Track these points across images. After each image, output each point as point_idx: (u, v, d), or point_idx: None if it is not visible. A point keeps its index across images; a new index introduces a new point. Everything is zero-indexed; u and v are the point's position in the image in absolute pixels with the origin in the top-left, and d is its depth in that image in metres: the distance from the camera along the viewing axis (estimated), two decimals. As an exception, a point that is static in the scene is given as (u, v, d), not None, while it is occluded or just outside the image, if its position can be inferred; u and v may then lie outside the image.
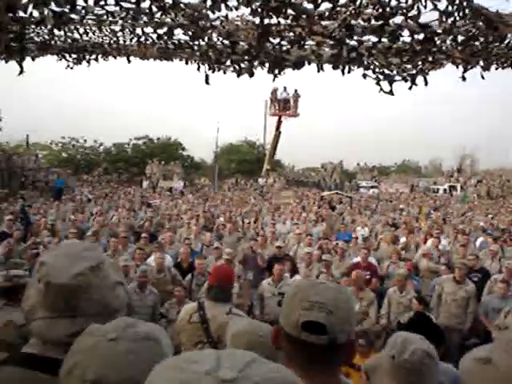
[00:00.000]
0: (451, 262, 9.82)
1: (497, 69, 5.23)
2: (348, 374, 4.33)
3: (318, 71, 5.52)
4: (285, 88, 43.72)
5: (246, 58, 5.34)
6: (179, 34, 4.71)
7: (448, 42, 4.68)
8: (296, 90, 43.76)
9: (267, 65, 5.51)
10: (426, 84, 5.30)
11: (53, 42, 5.73)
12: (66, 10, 3.46)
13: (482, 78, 5.25)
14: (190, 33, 4.40)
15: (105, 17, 4.17)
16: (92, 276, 1.55)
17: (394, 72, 5.35)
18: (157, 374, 0.71)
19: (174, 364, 0.72)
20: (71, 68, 6.46)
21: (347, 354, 1.48)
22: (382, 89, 5.36)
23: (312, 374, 1.40)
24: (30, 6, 3.17)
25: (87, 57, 6.19)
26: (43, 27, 4.42)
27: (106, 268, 1.64)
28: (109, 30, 5.10)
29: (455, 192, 44.70)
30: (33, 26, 4.70)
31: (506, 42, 4.59)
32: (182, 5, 3.71)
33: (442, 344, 4.67)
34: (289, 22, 4.16)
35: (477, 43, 4.66)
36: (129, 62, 6.24)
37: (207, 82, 5.59)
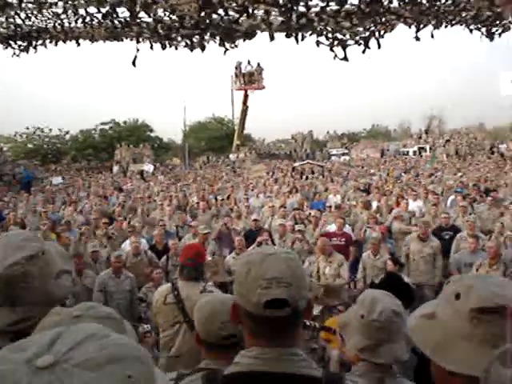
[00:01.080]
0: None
1: (446, 27, 5.27)
2: (328, 339, 4.40)
3: (271, 40, 5.48)
4: (248, 61, 43.59)
5: (196, 31, 5.27)
6: (124, 11, 4.61)
7: (395, 1, 4.70)
8: (259, 64, 43.55)
9: (218, 38, 5.46)
10: (379, 47, 5.32)
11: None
12: (2, -6, 3.37)
13: (432, 36, 5.29)
14: (132, 10, 4.31)
15: (43, -2, 4.06)
16: (29, 265, 1.56)
17: (347, 36, 5.36)
18: None
19: (3, 352, 0.68)
20: (17, 56, 6.28)
21: (307, 314, 1.51)
22: (336, 55, 5.36)
23: (278, 342, 1.43)
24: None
25: (34, 43, 6.02)
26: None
27: (47, 257, 1.65)
28: (51, 14, 4.96)
29: (425, 153, 45.29)
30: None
31: (451, -2, 4.62)
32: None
33: (412, 302, 4.80)
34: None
35: (424, 1, 4.68)
36: (78, 45, 6.09)
37: (134, 64, 5.50)
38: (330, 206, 12.57)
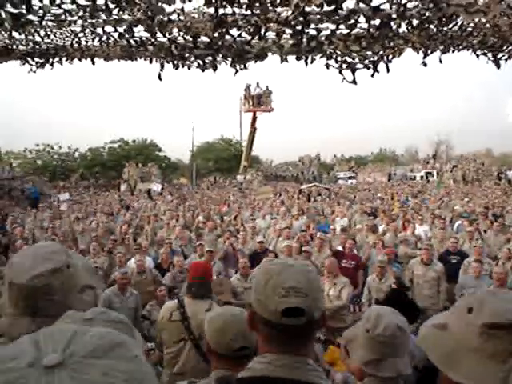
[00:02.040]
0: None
1: (453, 51, 5.35)
2: (332, 363, 4.39)
3: (282, 62, 5.58)
4: (257, 84, 43.96)
5: (209, 52, 5.38)
6: (140, 31, 4.73)
7: (403, 26, 4.78)
8: (267, 86, 43.95)
9: (230, 59, 5.56)
10: (388, 71, 5.40)
11: (14, 47, 5.69)
12: (24, 12, 3.47)
13: (440, 62, 5.35)
14: (149, 29, 4.42)
15: (63, 16, 4.16)
16: (53, 278, 1.58)
17: (356, 60, 5.44)
18: None
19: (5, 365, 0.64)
20: (34, 72, 6.41)
21: (320, 326, 1.57)
22: (344, 78, 5.44)
23: (291, 350, 1.48)
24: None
25: (50, 60, 6.14)
26: (3, 31, 4.40)
27: (72, 271, 1.67)
28: (69, 32, 5.09)
29: (432, 178, 45.24)
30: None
31: (459, 23, 4.70)
32: (136, -1, 3.77)
33: (416, 318, 4.82)
34: (243, 10, 4.21)
35: (431, 26, 4.76)
36: (93, 63, 6.22)
37: (160, 78, 5.61)
38: (335, 229, 12.57)
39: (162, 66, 5.70)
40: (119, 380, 0.63)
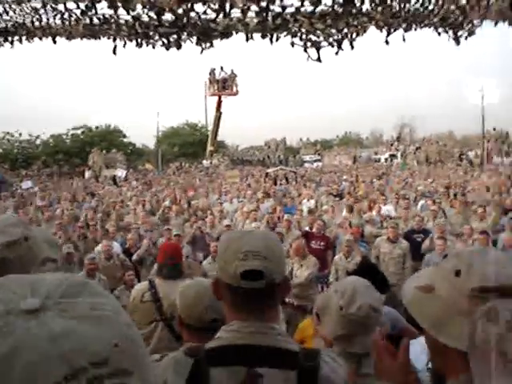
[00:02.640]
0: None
1: (416, 29, 5.42)
2: (303, 341, 4.43)
3: (247, 40, 5.58)
4: (222, 68, 43.70)
5: (174, 30, 5.33)
6: (103, 8, 4.64)
7: (367, 3, 4.83)
8: (232, 70, 43.76)
9: (195, 38, 5.53)
10: (352, 48, 5.45)
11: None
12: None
13: (404, 40, 5.44)
14: (112, 5, 4.34)
15: (23, -8, 4.07)
16: (8, 251, 1.56)
17: (321, 38, 5.47)
18: None
19: None
20: (-6, 50, 6.26)
21: (284, 291, 1.62)
22: (309, 56, 5.47)
23: (256, 315, 1.51)
24: None
25: (10, 38, 5.98)
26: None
27: (30, 243, 1.64)
28: (30, 8, 4.96)
29: (396, 160, 45.98)
30: None
31: (421, 1, 4.77)
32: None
33: (386, 289, 4.93)
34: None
35: (394, 3, 4.83)
36: (54, 42, 6.07)
37: (114, 53, 5.54)
38: (302, 211, 12.68)
39: (115, 46, 5.61)
40: (107, 311, 0.65)
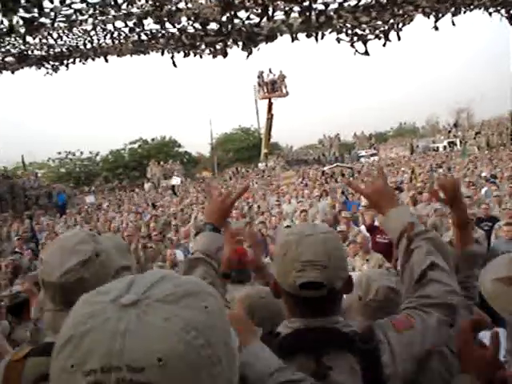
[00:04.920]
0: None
1: (465, 12, 5.26)
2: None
3: (292, 41, 5.58)
4: (270, 70, 43.76)
5: (219, 38, 5.41)
6: (150, 23, 4.77)
7: (412, -10, 4.74)
8: (281, 71, 43.73)
9: (241, 44, 5.58)
10: (399, 39, 5.35)
11: (30, 52, 5.80)
12: (36, 15, 3.53)
13: (453, 24, 5.28)
14: (158, 20, 4.46)
15: (74, 16, 4.23)
16: (83, 270, 1.57)
17: (367, 31, 5.40)
18: (72, 311, 0.75)
19: (85, 298, 0.76)
20: (50, 75, 6.53)
21: (346, 291, 1.56)
22: (356, 50, 5.41)
23: (316, 320, 1.47)
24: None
25: (65, 61, 6.24)
26: (17, 37, 4.49)
27: (103, 258, 1.65)
28: (81, 31, 5.16)
29: (455, 147, 44.60)
30: (7, 38, 4.79)
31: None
32: (143, -10, 3.81)
33: None
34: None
35: (440, -12, 4.72)
36: (106, 60, 6.29)
37: (174, 65, 5.68)
38: (365, 206, 12.50)
39: (173, 58, 5.76)
40: (177, 327, 0.68)
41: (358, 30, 5.31)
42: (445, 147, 46.19)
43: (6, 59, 5.87)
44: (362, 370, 1.38)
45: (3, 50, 5.36)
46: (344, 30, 5.35)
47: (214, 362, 0.71)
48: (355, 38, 5.36)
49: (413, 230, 1.64)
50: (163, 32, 5.18)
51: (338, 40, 5.49)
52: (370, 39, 5.40)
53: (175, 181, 34.84)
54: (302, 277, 1.41)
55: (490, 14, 5.19)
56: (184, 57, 5.88)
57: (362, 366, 1.39)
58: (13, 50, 5.59)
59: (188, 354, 0.67)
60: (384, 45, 5.50)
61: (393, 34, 5.35)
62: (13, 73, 6.43)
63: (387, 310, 2.13)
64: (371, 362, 1.40)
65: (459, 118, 61.24)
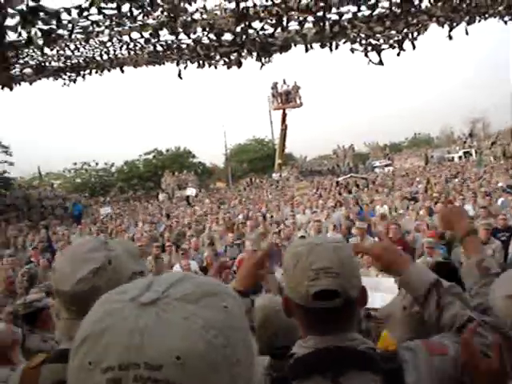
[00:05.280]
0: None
1: (479, 21, 5.23)
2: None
3: (306, 51, 5.60)
4: (284, 81, 43.84)
5: (234, 48, 5.44)
6: (165, 35, 4.83)
7: (426, 0, 4.71)
8: (295, 82, 43.79)
9: (255, 54, 5.61)
10: (414, 48, 5.32)
11: (47, 64, 5.89)
12: (54, 27, 3.59)
13: (467, 33, 5.25)
14: (173, 31, 4.51)
15: (90, 28, 4.30)
16: (96, 278, 1.57)
17: (381, 41, 5.39)
18: (90, 311, 0.75)
19: (104, 297, 0.76)
20: (68, 86, 6.63)
21: (361, 303, 1.50)
22: (370, 60, 5.40)
23: (332, 335, 1.42)
24: (19, 27, 3.30)
25: (82, 72, 6.32)
26: (35, 49, 4.56)
27: (115, 264, 1.64)
28: (98, 42, 5.23)
29: (471, 157, 44.26)
30: (25, 50, 4.87)
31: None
32: (158, 0, 3.82)
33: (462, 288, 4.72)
34: (263, 1, 4.24)
35: (454, -2, 4.70)
36: (122, 71, 6.37)
37: (180, 77, 5.74)
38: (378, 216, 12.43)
39: (180, 70, 5.83)
40: (197, 325, 0.68)
41: (372, 40, 5.30)
42: (460, 157, 45.89)
43: (24, 71, 5.97)
44: None
45: (22, 61, 5.45)
46: (358, 39, 5.35)
47: (233, 362, 0.70)
48: (369, 48, 5.36)
49: (442, 286, 1.61)
50: (178, 43, 5.23)
51: (352, 50, 5.49)
52: (384, 49, 5.39)
53: (190, 191, 35.02)
54: (315, 285, 1.36)
55: (506, 22, 5.15)
56: (198, 67, 5.93)
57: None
58: (31, 62, 5.69)
59: (208, 353, 0.67)
60: (398, 54, 5.49)
61: (407, 44, 5.35)
62: (31, 84, 6.53)
63: (431, 324, 2.09)
64: (394, 382, 1.34)
65: (474, 127, 60.79)
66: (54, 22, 3.45)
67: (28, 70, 6.03)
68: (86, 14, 3.81)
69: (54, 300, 5.01)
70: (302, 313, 1.45)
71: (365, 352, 1.39)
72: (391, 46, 5.34)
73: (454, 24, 5.11)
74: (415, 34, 5.40)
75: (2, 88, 6.45)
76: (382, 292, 6.21)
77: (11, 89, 6.48)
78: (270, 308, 2.42)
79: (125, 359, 0.65)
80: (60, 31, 3.83)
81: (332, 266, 1.38)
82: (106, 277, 1.58)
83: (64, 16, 3.53)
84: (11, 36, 3.53)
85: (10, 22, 3.23)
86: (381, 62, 5.45)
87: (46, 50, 4.68)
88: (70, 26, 3.84)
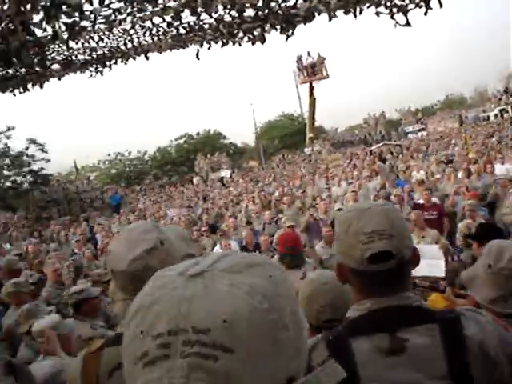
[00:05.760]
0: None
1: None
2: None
3: (330, 20, 5.49)
4: (308, 53, 43.27)
5: (257, 24, 5.39)
6: (187, 16, 4.79)
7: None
8: (319, 53, 43.18)
9: (279, 28, 5.54)
10: (441, 6, 5.13)
11: (74, 57, 5.94)
12: (77, 20, 3.61)
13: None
14: (194, 11, 4.47)
15: (113, 16, 4.30)
16: (150, 257, 1.64)
17: (406, 1, 5.23)
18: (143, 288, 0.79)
19: (156, 274, 0.80)
20: (94, 77, 6.69)
21: (414, 263, 1.49)
22: (397, 22, 5.25)
23: (388, 293, 1.42)
24: (43, 23, 3.33)
25: (107, 63, 6.36)
26: (60, 44, 4.60)
27: (167, 246, 1.71)
28: (121, 31, 5.24)
29: (507, 114, 43.04)
30: (52, 46, 4.92)
31: None
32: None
33: None
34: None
35: None
36: (147, 58, 6.37)
37: (198, 57, 5.72)
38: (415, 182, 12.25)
39: (209, 47, 5.82)
40: (241, 291, 0.71)
41: (397, 1, 5.16)
42: (496, 116, 44.65)
43: (52, 66, 6.04)
44: (441, 335, 1.33)
45: (49, 57, 5.51)
46: (383, 2, 5.21)
47: (280, 327, 0.72)
48: (395, 10, 5.22)
49: None
50: (201, 23, 5.20)
51: (378, 14, 5.36)
52: (410, 9, 5.24)
53: (224, 173, 35.21)
54: (370, 248, 1.37)
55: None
56: (222, 46, 5.89)
57: (441, 333, 1.33)
58: (57, 57, 5.75)
59: (253, 317, 0.69)
60: (425, 13, 5.32)
61: (434, 2, 5.16)
62: (59, 79, 6.62)
63: None
64: (452, 330, 1.34)
65: (510, 83, 58.96)
66: (77, 14, 3.48)
67: (55, 66, 6.10)
68: (107, 2, 3.82)
69: (99, 288, 5.18)
70: (356, 277, 1.46)
71: (419, 307, 1.42)
72: (417, 5, 5.17)
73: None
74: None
75: (33, 86, 6.56)
76: (426, 259, 6.17)
77: (42, 86, 6.59)
78: (317, 282, 2.46)
79: (173, 325, 0.68)
80: (83, 23, 3.86)
81: (384, 229, 1.39)
82: (158, 257, 1.65)
83: (86, 7, 3.55)
84: (37, 33, 3.59)
85: (34, 18, 3.28)
86: (408, 23, 5.30)
87: (72, 44, 4.72)
88: (92, 16, 3.85)
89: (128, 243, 1.69)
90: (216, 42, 5.79)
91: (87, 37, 5.11)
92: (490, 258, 2.12)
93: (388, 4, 5.09)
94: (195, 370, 0.65)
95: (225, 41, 5.77)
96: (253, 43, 5.75)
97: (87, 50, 5.81)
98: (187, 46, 6.23)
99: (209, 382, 0.65)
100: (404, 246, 1.40)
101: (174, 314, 0.68)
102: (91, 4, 3.62)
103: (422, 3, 5.02)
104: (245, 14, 4.99)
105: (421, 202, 9.48)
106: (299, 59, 43.60)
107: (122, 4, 4.07)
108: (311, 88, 43.71)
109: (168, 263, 1.65)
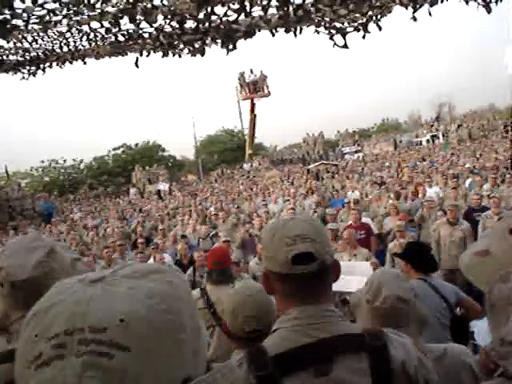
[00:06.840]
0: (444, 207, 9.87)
1: (442, 1, 5.24)
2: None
3: (273, 35, 5.55)
4: (251, 70, 43.75)
5: (197, 36, 5.36)
6: (126, 23, 4.70)
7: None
8: (262, 71, 43.74)
9: (219, 42, 5.53)
10: (380, 29, 5.31)
11: (5, 57, 5.70)
12: (8, 17, 3.46)
13: (430, 14, 5.27)
14: (133, 18, 4.39)
15: (47, 17, 4.14)
16: (51, 261, 1.57)
17: (345, 24, 5.37)
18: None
19: (58, 282, 0.80)
20: (26, 79, 6.43)
21: (335, 273, 1.54)
22: (335, 43, 5.38)
23: (311, 301, 1.45)
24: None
25: (41, 65, 6.14)
26: (-10, 42, 4.41)
27: (59, 250, 1.66)
28: (57, 33, 5.07)
29: (438, 141, 45.10)
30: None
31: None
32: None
33: (435, 267, 4.82)
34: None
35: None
36: (84, 63, 6.21)
37: (137, 65, 5.63)
38: (349, 202, 12.50)
39: (141, 55, 5.74)
40: (140, 293, 0.72)
41: (336, 24, 5.29)
42: (428, 141, 46.71)
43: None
44: (370, 363, 1.35)
45: (-23, 55, 5.27)
46: (322, 23, 5.32)
47: (177, 328, 0.74)
48: (334, 31, 5.34)
49: None
50: (140, 32, 5.12)
51: (318, 31, 5.46)
52: (348, 32, 5.38)
53: (163, 186, 34.81)
54: (293, 250, 1.42)
55: (467, 2, 5.16)
56: (162, 57, 5.83)
57: (370, 360, 1.35)
58: (-14, 56, 5.50)
59: (150, 316, 0.70)
60: (363, 37, 5.48)
61: (373, 27, 5.34)
62: (-12, 79, 6.35)
63: (395, 318, 2.07)
64: (380, 359, 1.36)
65: (441, 111, 61.85)
66: (7, 12, 3.33)
67: (-15, 65, 5.85)
68: (41, 1, 3.68)
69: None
70: (282, 282, 1.49)
71: (348, 335, 1.42)
72: (356, 29, 5.32)
73: (418, 5, 5.10)
74: (379, 16, 5.39)
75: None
76: (356, 275, 6.28)
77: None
78: (241, 295, 2.50)
79: (70, 325, 0.68)
80: (15, 21, 3.70)
81: (307, 233, 1.46)
82: (57, 259, 1.60)
83: (18, 4, 3.41)
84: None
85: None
86: (346, 46, 5.43)
87: (3, 43, 4.53)
88: (25, 15, 3.70)
89: (23, 252, 1.59)
90: (156, 52, 5.72)
91: (20, 37, 4.91)
92: (369, 292, 2.16)
93: (327, 25, 5.23)
94: (89, 367, 0.65)
95: (165, 51, 5.72)
96: (193, 55, 5.74)
97: (19, 51, 5.59)
98: (126, 54, 6.12)
99: (104, 380, 0.65)
100: (325, 251, 1.46)
101: (71, 315, 0.68)
102: (23, 2, 3.47)
103: (361, 27, 5.19)
104: (185, 26, 4.97)
105: (349, 222, 9.67)
106: (242, 75, 44.00)
107: (57, 5, 3.93)
108: (252, 105, 44.16)
109: (64, 266, 1.60)
